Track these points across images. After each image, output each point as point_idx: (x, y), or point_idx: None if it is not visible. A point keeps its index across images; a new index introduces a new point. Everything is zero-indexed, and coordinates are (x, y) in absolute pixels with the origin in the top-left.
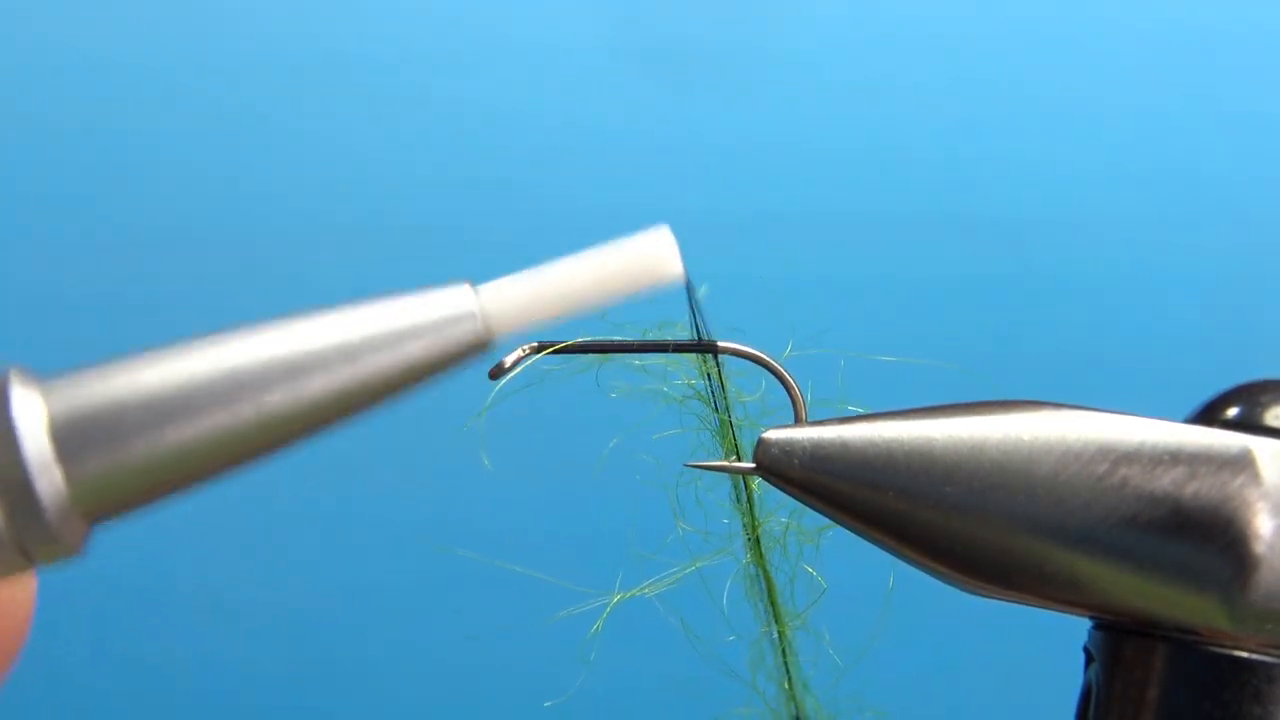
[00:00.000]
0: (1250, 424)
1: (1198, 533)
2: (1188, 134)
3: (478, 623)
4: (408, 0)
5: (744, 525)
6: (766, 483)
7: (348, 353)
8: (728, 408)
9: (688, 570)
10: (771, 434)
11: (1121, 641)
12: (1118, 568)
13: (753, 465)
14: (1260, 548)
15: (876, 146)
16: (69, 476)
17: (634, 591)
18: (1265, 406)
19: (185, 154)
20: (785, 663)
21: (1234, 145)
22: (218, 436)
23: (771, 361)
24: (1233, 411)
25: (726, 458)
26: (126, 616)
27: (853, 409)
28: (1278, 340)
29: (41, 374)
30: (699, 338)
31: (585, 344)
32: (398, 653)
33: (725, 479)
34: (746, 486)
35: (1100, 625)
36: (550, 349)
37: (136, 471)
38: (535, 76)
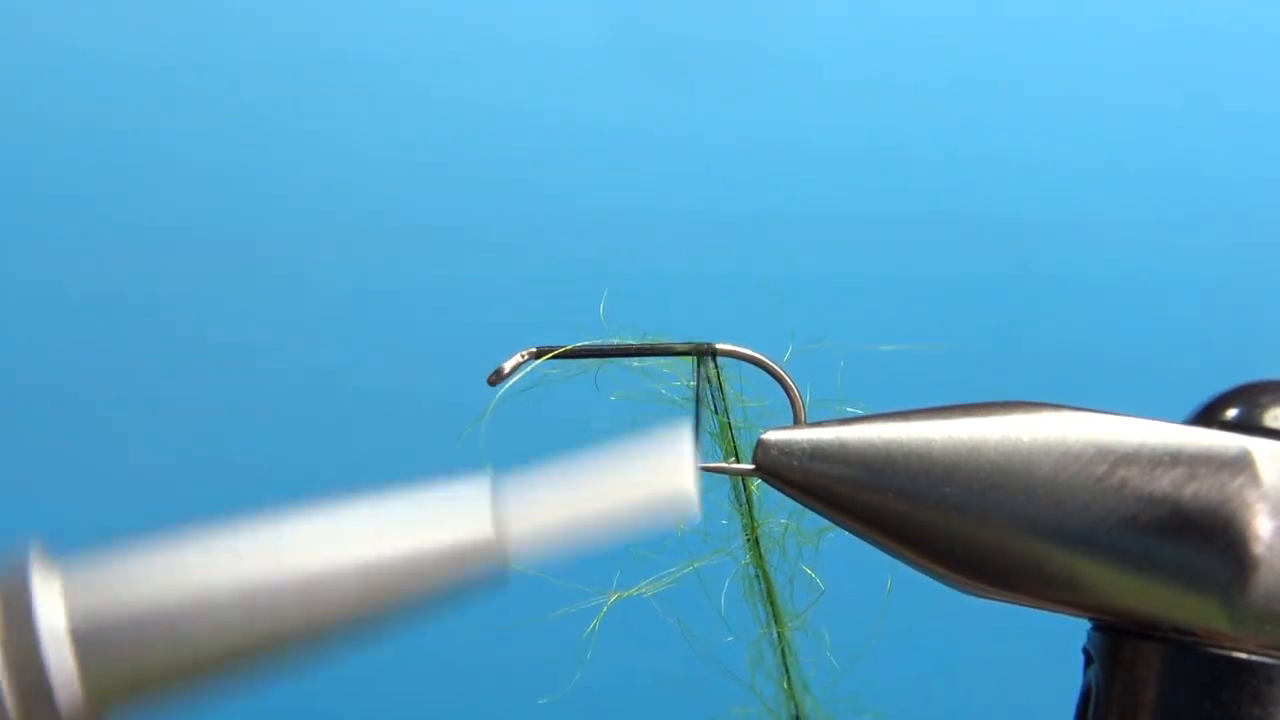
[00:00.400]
0: (1250, 425)
1: (1197, 534)
2: (1188, 134)
3: (474, 620)
4: (408, 0)
5: (743, 526)
6: (766, 484)
7: (365, 575)
8: (727, 410)
9: (685, 570)
10: (771, 435)
11: (1121, 642)
12: (1117, 569)
13: (752, 466)
14: (1259, 549)
15: (876, 146)
16: (85, 678)
17: (631, 591)
18: (1265, 407)
19: (185, 154)
20: (784, 663)
21: (1234, 145)
22: (230, 648)
23: (770, 363)
24: (1232, 412)
25: (726, 459)
26: None
27: (851, 410)
28: (1278, 340)
29: (59, 556)
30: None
31: (584, 348)
32: (393, 650)
33: (725, 480)
34: (746, 488)
35: (1099, 626)
36: (549, 354)
37: (151, 675)
38: (535, 76)
